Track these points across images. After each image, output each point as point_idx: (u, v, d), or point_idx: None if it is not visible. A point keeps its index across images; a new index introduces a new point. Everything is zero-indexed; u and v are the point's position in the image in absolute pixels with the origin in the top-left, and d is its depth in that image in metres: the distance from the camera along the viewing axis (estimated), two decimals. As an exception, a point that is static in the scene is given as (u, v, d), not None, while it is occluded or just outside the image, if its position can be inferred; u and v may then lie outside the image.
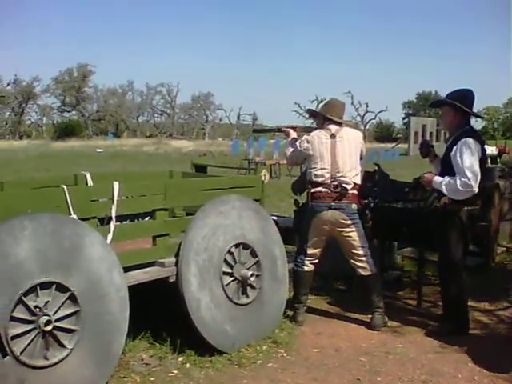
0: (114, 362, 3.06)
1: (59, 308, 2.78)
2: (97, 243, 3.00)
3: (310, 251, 4.22)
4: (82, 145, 37.60)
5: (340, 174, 4.06)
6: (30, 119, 64.15)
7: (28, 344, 2.66)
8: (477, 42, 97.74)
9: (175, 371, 3.37)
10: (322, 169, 4.09)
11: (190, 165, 5.67)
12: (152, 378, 3.28)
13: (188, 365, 3.44)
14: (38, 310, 2.69)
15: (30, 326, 2.67)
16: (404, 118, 64.22)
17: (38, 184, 3.86)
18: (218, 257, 3.61)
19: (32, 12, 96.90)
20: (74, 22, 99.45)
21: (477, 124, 58.58)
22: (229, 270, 3.66)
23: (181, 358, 3.50)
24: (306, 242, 4.22)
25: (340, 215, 4.06)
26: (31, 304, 2.68)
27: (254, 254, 3.82)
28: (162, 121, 68.38)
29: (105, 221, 3.24)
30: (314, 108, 32.44)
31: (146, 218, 3.80)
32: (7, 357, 2.59)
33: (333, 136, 4.12)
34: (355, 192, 4.12)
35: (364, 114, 62.41)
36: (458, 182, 3.84)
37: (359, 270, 4.18)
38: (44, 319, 2.69)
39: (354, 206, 4.11)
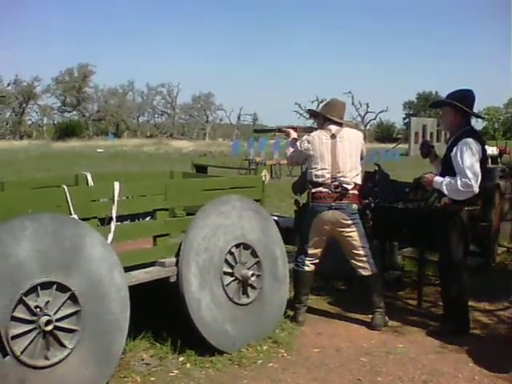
0: (115, 361, 3.06)
1: (60, 308, 2.78)
2: (97, 243, 3.01)
3: (310, 251, 4.22)
4: (82, 145, 37.63)
5: (340, 175, 4.06)
6: (30, 119, 64.32)
7: (28, 344, 2.66)
8: (477, 41, 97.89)
9: (176, 371, 3.37)
10: (322, 169, 4.09)
11: (191, 165, 5.66)
12: (152, 378, 3.28)
13: (188, 365, 3.45)
14: (38, 309, 2.70)
15: (30, 326, 2.68)
16: (404, 119, 64.19)
17: (38, 184, 3.86)
18: (219, 257, 3.61)
19: (32, 12, 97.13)
20: (74, 21, 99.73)
21: (477, 124, 58.63)
22: (229, 270, 3.66)
23: (181, 358, 3.50)
24: (306, 242, 4.22)
25: (340, 215, 4.06)
26: (32, 304, 2.68)
27: (254, 254, 3.82)
28: (163, 121, 68.42)
29: (105, 221, 3.24)
30: (314, 108, 32.40)
31: (147, 218, 3.80)
32: (8, 357, 2.59)
33: (333, 136, 4.12)
34: (356, 192, 4.12)
35: (364, 115, 62.54)
36: (459, 182, 3.84)
37: (360, 270, 4.18)
38: (44, 319, 2.69)
39: (355, 206, 4.11)
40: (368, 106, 61.99)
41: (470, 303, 4.23)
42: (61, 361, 2.77)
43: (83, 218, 3.07)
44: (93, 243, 2.98)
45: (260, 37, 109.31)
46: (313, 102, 56.16)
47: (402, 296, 5.02)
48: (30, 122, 64.17)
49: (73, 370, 2.82)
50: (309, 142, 4.17)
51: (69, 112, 62.86)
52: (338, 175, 4.06)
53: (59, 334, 2.77)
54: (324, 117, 4.23)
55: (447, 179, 3.93)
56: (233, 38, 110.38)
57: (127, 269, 3.23)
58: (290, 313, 4.26)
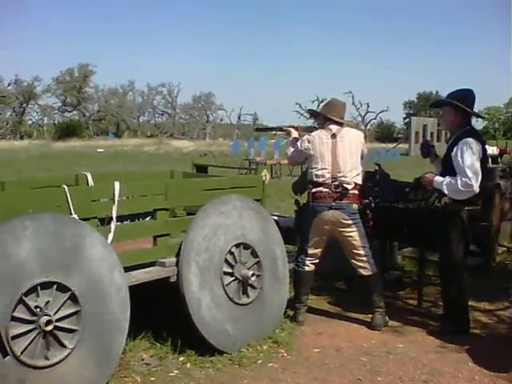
0: (115, 361, 3.06)
1: (60, 308, 2.78)
2: (97, 243, 3.01)
3: (310, 251, 4.22)
4: (82, 145, 37.61)
5: (341, 174, 4.06)
6: (31, 119, 64.32)
7: (29, 344, 2.66)
8: (477, 41, 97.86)
9: (176, 371, 3.37)
10: (322, 169, 4.09)
11: (191, 165, 5.65)
12: (152, 378, 3.28)
13: (188, 365, 3.45)
14: (38, 309, 2.70)
15: (30, 326, 2.68)
16: (405, 118, 64.15)
17: (38, 184, 3.87)
18: (219, 257, 3.61)
19: (32, 12, 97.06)
20: (73, 22, 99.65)
21: (478, 124, 58.65)
22: (229, 270, 3.66)
23: (181, 358, 3.50)
24: (306, 241, 4.22)
25: (341, 215, 4.06)
26: (32, 304, 2.68)
27: (254, 253, 3.82)
28: (163, 121, 68.41)
29: (106, 221, 3.24)
30: (314, 108, 32.44)
31: (147, 218, 3.80)
32: (8, 357, 2.59)
33: (334, 136, 4.12)
34: (356, 192, 4.12)
35: (365, 114, 62.52)
36: (459, 181, 3.84)
37: (360, 270, 4.18)
38: (45, 319, 2.69)
39: (355, 205, 4.11)
40: (368, 106, 62.07)
41: (470, 303, 4.23)
42: (61, 361, 2.77)
43: (83, 217, 3.07)
44: (93, 243, 2.98)
45: (260, 37, 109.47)
46: (313, 101, 56.24)
47: (402, 296, 5.02)
48: (30, 122, 64.21)
49: (73, 369, 2.82)
50: (309, 142, 4.17)
51: (69, 112, 62.89)
52: (339, 175, 4.06)
53: (59, 334, 2.77)
54: (324, 117, 4.23)
55: (447, 179, 3.93)
56: (233, 38, 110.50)
57: (127, 269, 3.23)
58: (290, 313, 4.26)
